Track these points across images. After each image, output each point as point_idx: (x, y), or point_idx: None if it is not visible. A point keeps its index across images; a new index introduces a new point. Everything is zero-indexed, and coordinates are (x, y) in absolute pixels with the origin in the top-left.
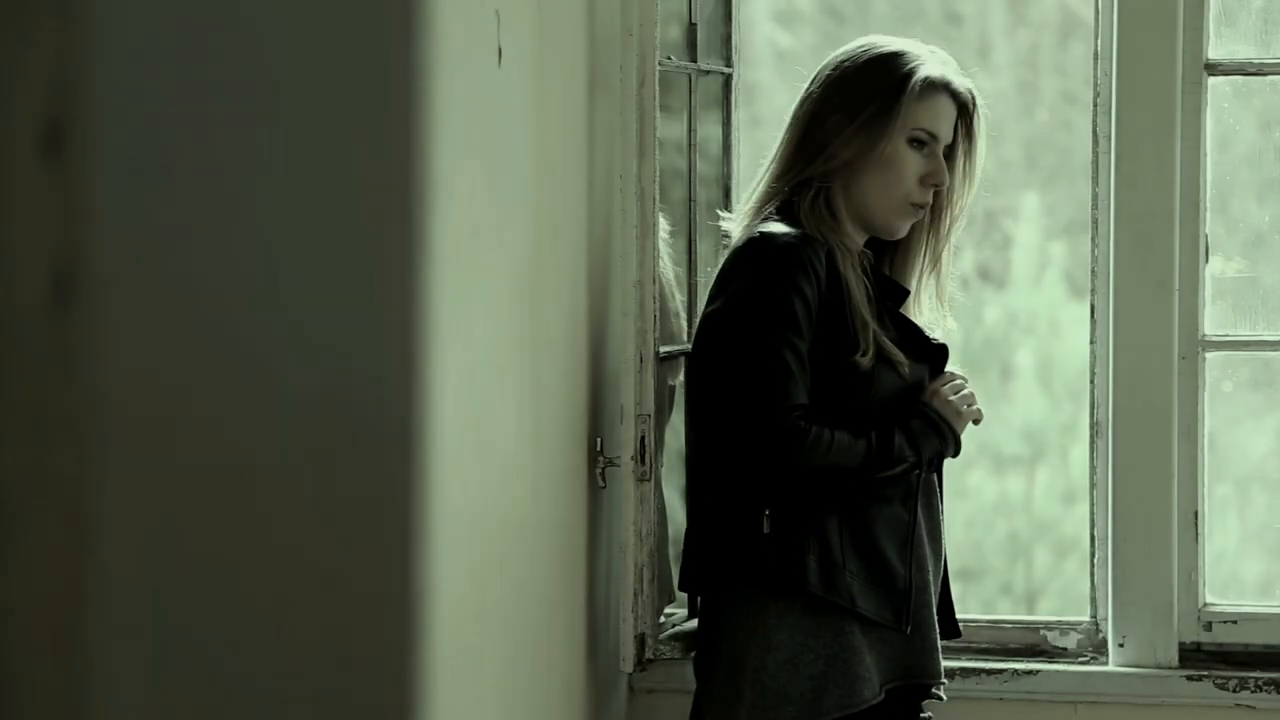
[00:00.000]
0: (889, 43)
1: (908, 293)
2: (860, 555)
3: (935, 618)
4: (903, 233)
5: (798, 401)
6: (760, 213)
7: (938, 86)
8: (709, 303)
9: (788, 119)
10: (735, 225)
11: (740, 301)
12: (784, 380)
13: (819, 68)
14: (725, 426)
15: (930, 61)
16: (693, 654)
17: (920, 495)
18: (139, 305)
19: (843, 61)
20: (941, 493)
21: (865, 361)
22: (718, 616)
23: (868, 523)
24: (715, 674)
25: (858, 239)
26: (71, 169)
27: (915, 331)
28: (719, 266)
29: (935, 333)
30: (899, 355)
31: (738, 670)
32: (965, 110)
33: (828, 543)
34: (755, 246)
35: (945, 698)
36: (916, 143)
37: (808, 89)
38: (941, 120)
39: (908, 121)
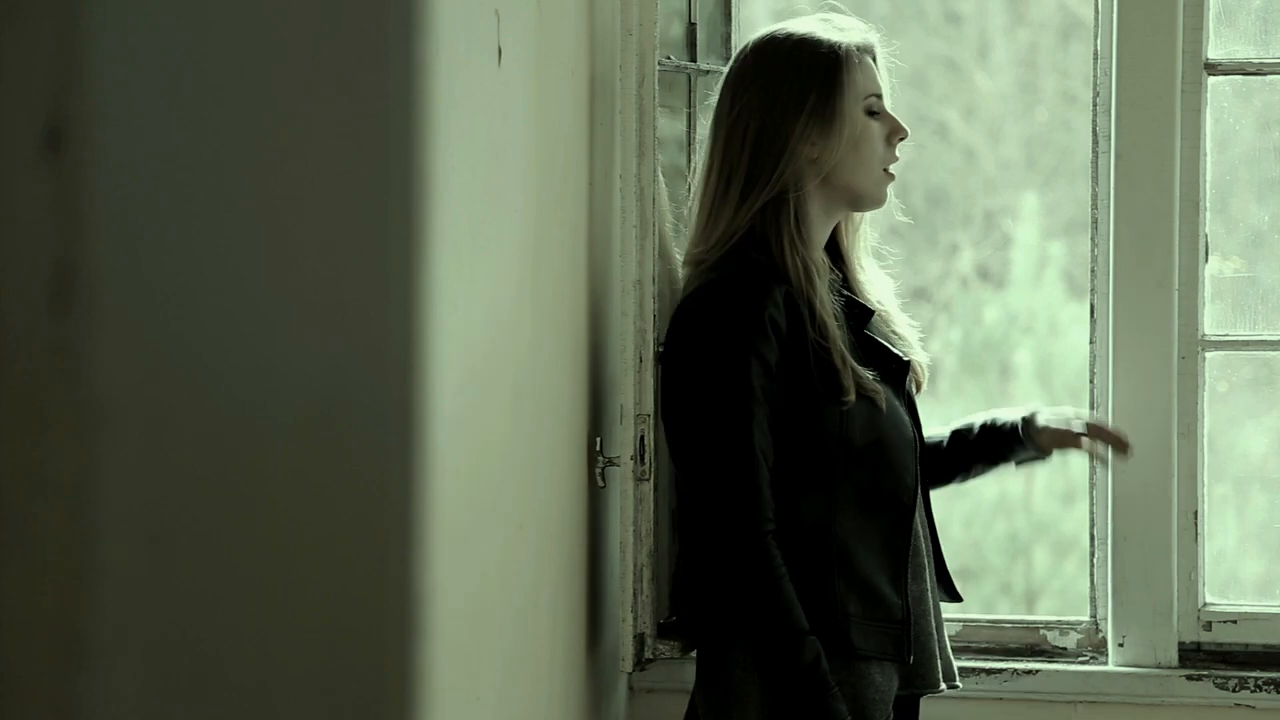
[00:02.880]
0: (789, 29)
1: (873, 313)
2: (857, 593)
3: (935, 625)
4: (885, 199)
5: (766, 499)
6: (725, 245)
7: (859, 50)
8: (668, 342)
9: (711, 145)
10: (694, 263)
11: (700, 383)
12: (752, 485)
13: (723, 83)
14: (696, 502)
15: (839, 33)
16: (693, 653)
17: (918, 508)
18: (138, 305)
19: (754, 63)
20: (924, 471)
21: (849, 401)
22: (717, 649)
23: (857, 559)
24: (716, 707)
25: (824, 231)
26: (71, 169)
27: (880, 349)
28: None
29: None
30: (875, 385)
31: (739, 710)
32: (874, 58)
33: (829, 590)
34: (709, 309)
35: (960, 685)
36: (871, 112)
37: (731, 106)
38: (879, 78)
39: (857, 95)
